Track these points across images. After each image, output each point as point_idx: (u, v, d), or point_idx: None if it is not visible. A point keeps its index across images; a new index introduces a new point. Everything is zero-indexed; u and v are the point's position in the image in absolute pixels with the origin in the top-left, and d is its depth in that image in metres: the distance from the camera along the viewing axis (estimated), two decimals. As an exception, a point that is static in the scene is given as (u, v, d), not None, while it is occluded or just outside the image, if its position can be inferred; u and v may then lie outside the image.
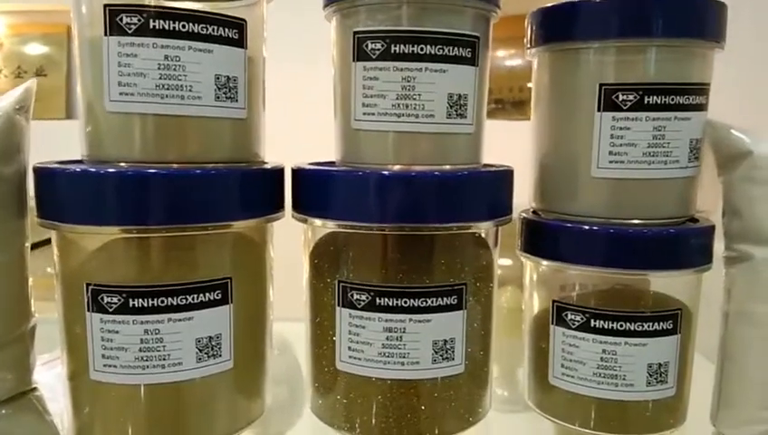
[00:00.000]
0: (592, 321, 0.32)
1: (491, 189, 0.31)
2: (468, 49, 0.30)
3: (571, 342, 0.32)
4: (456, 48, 0.29)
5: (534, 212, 0.36)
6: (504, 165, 0.34)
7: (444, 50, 0.29)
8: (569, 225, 0.32)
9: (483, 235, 0.33)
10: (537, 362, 0.35)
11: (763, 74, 0.81)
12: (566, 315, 0.32)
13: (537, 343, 0.35)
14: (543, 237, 0.34)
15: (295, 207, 0.32)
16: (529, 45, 0.34)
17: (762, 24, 0.81)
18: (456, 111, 0.30)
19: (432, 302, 0.30)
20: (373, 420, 0.31)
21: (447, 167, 0.30)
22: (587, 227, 0.32)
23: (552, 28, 0.33)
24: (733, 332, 0.31)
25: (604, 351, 0.31)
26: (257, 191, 0.31)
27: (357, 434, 0.32)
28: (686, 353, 0.33)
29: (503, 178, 0.32)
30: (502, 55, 0.96)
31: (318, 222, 0.31)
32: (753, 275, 0.30)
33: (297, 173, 0.32)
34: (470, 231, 0.31)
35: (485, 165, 0.34)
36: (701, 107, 0.32)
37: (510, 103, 0.99)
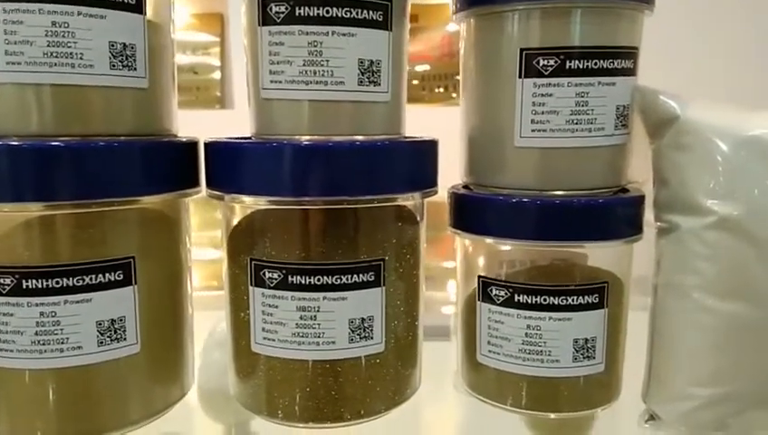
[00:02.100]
0: (516, 296, 0.30)
1: (409, 160, 0.30)
2: (380, 12, 0.28)
3: (496, 318, 0.31)
4: (365, 11, 0.28)
5: (465, 187, 0.35)
6: (428, 136, 0.33)
7: (352, 13, 0.27)
8: (492, 198, 0.31)
9: (408, 208, 0.32)
10: (467, 341, 0.34)
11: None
12: (491, 291, 0.31)
13: (467, 321, 0.34)
14: (469, 212, 0.32)
15: (209, 183, 0.31)
16: (454, 10, 0.33)
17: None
18: (368, 78, 0.28)
19: (347, 279, 0.29)
20: (294, 404, 0.30)
21: (360, 137, 0.28)
22: (512, 200, 0.31)
23: (475, -10, 0.31)
24: (661, 305, 0.30)
25: (528, 326, 0.30)
26: (163, 165, 0.29)
27: (279, 419, 0.31)
28: (616, 328, 0.32)
29: (424, 150, 0.31)
30: None
31: (228, 198, 0.29)
32: (680, 245, 0.29)
33: (208, 147, 0.30)
34: (388, 204, 0.30)
35: (408, 137, 0.33)
36: (628, 72, 0.30)
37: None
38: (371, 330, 0.29)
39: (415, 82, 1.08)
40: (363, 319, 0.29)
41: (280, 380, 0.30)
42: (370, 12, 0.28)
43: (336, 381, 0.30)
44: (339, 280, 0.28)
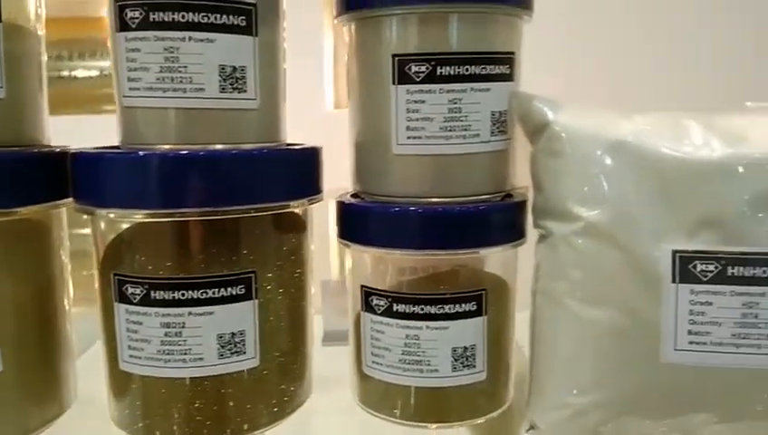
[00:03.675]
0: (394, 305, 0.30)
1: (280, 169, 0.29)
2: (242, 17, 0.27)
3: (377, 328, 0.31)
4: (225, 16, 0.27)
5: (354, 195, 0.34)
6: (309, 144, 0.32)
7: (210, 18, 0.26)
8: (370, 206, 0.31)
9: (289, 216, 0.31)
10: (355, 352, 0.33)
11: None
12: (372, 300, 0.31)
13: (355, 332, 0.33)
14: (350, 221, 0.32)
15: (74, 195, 0.29)
16: (335, 14, 0.32)
17: None
18: (231, 84, 0.27)
19: (214, 293, 0.28)
20: (169, 424, 0.29)
21: (219, 146, 0.27)
22: (391, 209, 0.30)
23: (352, -5, 0.31)
24: (538, 312, 0.30)
25: (407, 336, 0.30)
26: (25, 177, 0.28)
27: (152, 438, 0.30)
28: (499, 335, 0.31)
29: (299, 158, 0.30)
30: None
31: (89, 210, 0.28)
32: (553, 251, 0.29)
33: (69, 158, 0.29)
34: (260, 214, 0.29)
35: (291, 144, 0.32)
36: (504, 77, 0.30)
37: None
38: (243, 344, 0.28)
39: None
40: (233, 334, 0.28)
41: (151, 399, 0.29)
42: (231, 17, 0.27)
43: (206, 400, 0.29)
44: (205, 294, 0.27)
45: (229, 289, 0.28)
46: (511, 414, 0.33)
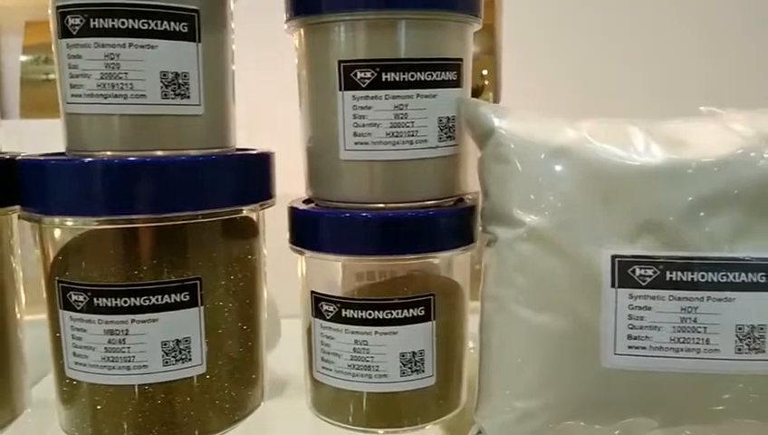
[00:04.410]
0: (343, 311, 0.30)
1: (226, 174, 0.29)
2: (184, 24, 0.27)
3: (327, 333, 0.31)
4: (167, 22, 0.27)
5: (307, 201, 0.34)
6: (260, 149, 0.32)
7: (151, 24, 0.26)
8: (322, 212, 0.31)
9: (239, 222, 0.31)
10: (307, 358, 0.33)
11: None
12: (321, 306, 0.31)
13: (306, 338, 0.33)
14: (302, 227, 0.32)
15: (21, 202, 0.29)
16: (285, 19, 0.32)
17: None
18: (173, 90, 0.27)
19: (158, 300, 0.28)
20: (113, 431, 0.29)
21: (163, 153, 0.27)
22: (339, 215, 0.30)
23: (301, 0, 0.31)
24: (485, 317, 0.30)
25: (356, 341, 0.30)
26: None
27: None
28: (450, 339, 0.32)
29: (247, 163, 0.30)
30: None
31: (34, 217, 0.28)
32: (499, 257, 0.29)
33: (18, 165, 0.29)
34: (206, 220, 0.29)
35: (241, 149, 0.32)
36: (451, 84, 0.30)
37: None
38: (188, 351, 0.28)
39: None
40: (179, 341, 0.28)
41: (98, 406, 0.29)
42: (173, 23, 0.27)
43: (156, 406, 0.29)
44: (148, 301, 0.27)
45: (173, 296, 0.28)
46: (464, 418, 0.33)
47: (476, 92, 1.04)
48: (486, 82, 1.07)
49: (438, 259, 0.32)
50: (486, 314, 0.30)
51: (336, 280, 0.32)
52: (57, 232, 0.29)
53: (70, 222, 0.27)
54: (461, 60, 0.31)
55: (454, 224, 0.31)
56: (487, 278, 0.30)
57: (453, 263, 0.32)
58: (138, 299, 0.27)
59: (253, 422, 0.32)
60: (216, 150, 0.30)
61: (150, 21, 0.26)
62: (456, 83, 0.30)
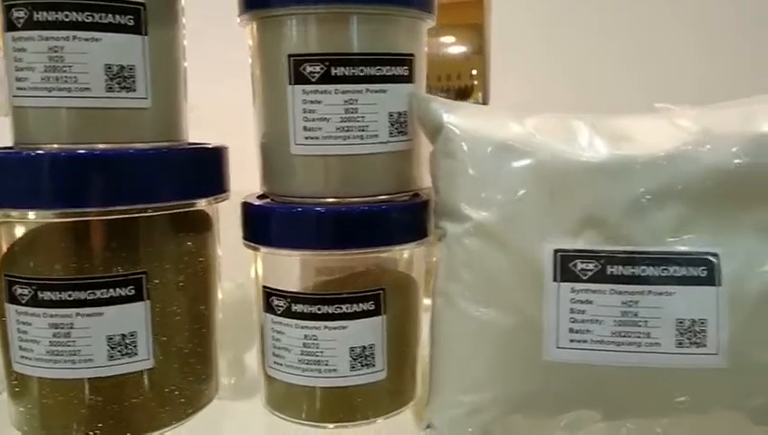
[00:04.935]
0: (293, 305, 0.30)
1: (175, 167, 0.29)
2: (129, 16, 0.27)
3: (277, 328, 0.31)
4: (111, 15, 0.27)
5: (261, 196, 0.34)
6: (214, 143, 0.32)
7: (95, 17, 0.26)
8: (273, 207, 0.31)
9: (191, 216, 0.31)
10: (261, 355, 0.33)
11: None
12: (272, 301, 0.31)
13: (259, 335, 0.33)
14: (255, 222, 0.32)
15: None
16: (238, 13, 0.32)
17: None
18: (118, 83, 0.27)
19: (102, 294, 0.27)
20: (60, 425, 0.29)
21: (109, 145, 0.27)
22: (290, 210, 0.30)
23: (252, -5, 0.31)
24: (435, 312, 0.30)
25: (306, 336, 0.30)
26: None
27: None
28: (402, 333, 0.32)
29: (196, 157, 0.30)
30: (446, 42, 0.96)
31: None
32: (448, 252, 0.29)
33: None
34: (155, 214, 0.28)
35: (194, 143, 0.32)
36: (402, 79, 0.30)
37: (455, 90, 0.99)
38: (134, 346, 0.28)
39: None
40: (125, 335, 0.28)
41: (45, 400, 0.29)
42: (117, 16, 0.27)
43: (104, 400, 0.29)
44: (93, 295, 0.27)
45: (118, 290, 0.28)
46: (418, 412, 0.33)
47: (466, 92, 1.05)
48: (476, 82, 1.07)
49: (391, 254, 0.32)
50: (436, 309, 0.30)
51: (290, 276, 0.32)
52: (7, 227, 0.29)
53: (18, 215, 0.27)
54: (412, 55, 0.31)
55: (406, 218, 0.31)
56: (438, 273, 0.30)
57: (408, 257, 0.32)
58: (82, 293, 0.27)
59: (205, 418, 0.32)
60: (166, 144, 0.30)
61: (95, 14, 0.26)
62: (408, 79, 0.30)
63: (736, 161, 0.26)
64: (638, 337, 0.26)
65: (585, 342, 0.26)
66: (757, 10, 0.80)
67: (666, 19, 0.81)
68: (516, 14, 0.93)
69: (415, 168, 0.32)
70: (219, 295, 0.34)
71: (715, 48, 0.80)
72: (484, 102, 0.95)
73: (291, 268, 0.33)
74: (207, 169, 0.31)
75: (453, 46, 1.00)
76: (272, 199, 0.32)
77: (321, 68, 0.29)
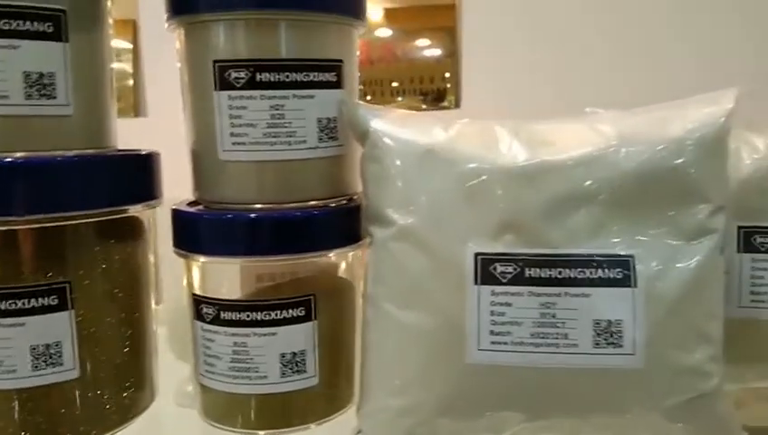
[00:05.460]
0: (222, 313, 0.30)
1: (100, 174, 0.29)
2: (49, 24, 0.27)
3: (207, 336, 0.30)
4: (29, 22, 0.26)
5: (193, 203, 0.34)
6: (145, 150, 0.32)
7: (12, 24, 0.26)
8: (201, 214, 0.30)
9: (120, 223, 0.30)
10: (194, 363, 0.33)
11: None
12: (201, 309, 0.30)
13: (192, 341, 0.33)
14: (184, 229, 0.31)
15: None
16: (166, 18, 0.32)
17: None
18: (38, 91, 0.27)
19: (24, 304, 0.27)
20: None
21: (26, 154, 0.27)
22: (219, 217, 0.30)
23: (179, 0, 0.31)
24: (365, 316, 0.30)
25: (235, 344, 0.30)
26: None
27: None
28: (336, 338, 0.32)
29: (105, 164, 0.29)
30: (421, 45, 0.96)
31: None
32: (375, 256, 0.29)
33: None
34: (78, 222, 0.28)
35: (123, 150, 0.32)
36: (331, 84, 0.30)
37: (431, 93, 0.99)
38: (60, 356, 0.28)
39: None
40: (48, 345, 0.28)
41: (-33, 413, 0.28)
42: (36, 23, 0.26)
43: (31, 412, 0.28)
44: (14, 305, 0.27)
45: (41, 300, 0.27)
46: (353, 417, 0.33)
47: (440, 95, 1.05)
48: (449, 85, 1.07)
49: (329, 259, 0.32)
50: (365, 313, 0.30)
51: (225, 283, 0.32)
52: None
53: None
54: (341, 61, 0.31)
55: (337, 223, 0.31)
56: (367, 278, 0.30)
57: (349, 262, 0.32)
58: (4, 303, 0.27)
59: (138, 428, 0.32)
60: (90, 151, 0.29)
61: (12, 21, 0.26)
62: (337, 84, 0.31)
63: (651, 165, 0.26)
64: (557, 338, 0.26)
65: (506, 344, 0.26)
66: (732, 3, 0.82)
67: (639, 20, 0.82)
68: (488, 17, 0.94)
69: (348, 173, 0.33)
70: (153, 304, 0.34)
71: (691, 45, 0.81)
72: (457, 105, 0.96)
73: (224, 275, 0.33)
74: (135, 175, 0.31)
75: (426, 50, 1.00)
76: (205, 206, 0.32)
77: (246, 74, 0.29)
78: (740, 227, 0.32)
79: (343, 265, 0.33)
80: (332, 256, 0.32)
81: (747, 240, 0.32)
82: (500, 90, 0.84)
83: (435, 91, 1.04)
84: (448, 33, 1.09)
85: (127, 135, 0.33)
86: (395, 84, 0.98)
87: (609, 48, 0.83)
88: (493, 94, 0.87)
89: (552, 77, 0.83)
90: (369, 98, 1.05)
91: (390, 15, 0.97)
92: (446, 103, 1.05)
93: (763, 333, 0.33)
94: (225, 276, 0.33)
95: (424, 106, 1.00)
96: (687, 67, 0.78)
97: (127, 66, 1.03)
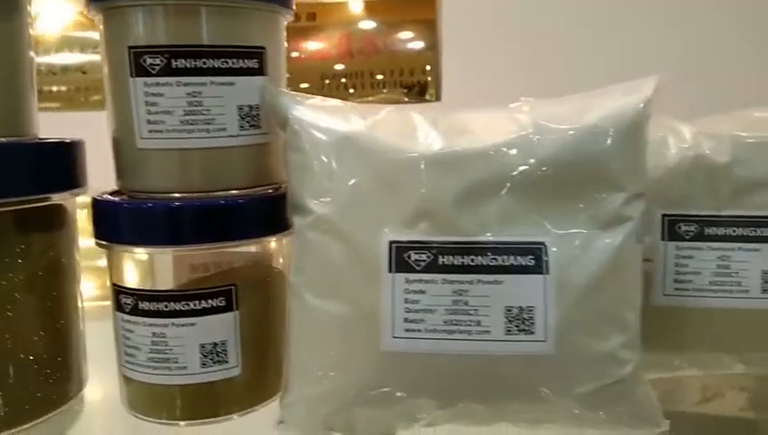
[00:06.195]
0: (140, 303, 0.29)
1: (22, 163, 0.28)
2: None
3: (127, 327, 0.30)
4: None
5: (115, 192, 0.33)
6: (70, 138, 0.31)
7: None
8: (119, 203, 0.30)
9: (39, 213, 0.30)
10: (117, 354, 0.32)
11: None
12: (120, 299, 0.30)
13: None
14: (104, 218, 0.31)
15: None
16: (84, 4, 0.31)
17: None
18: (-57, 77, 0.26)
19: (-71, 294, 0.27)
20: None
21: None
22: (139, 206, 0.30)
23: (95, -15, 0.30)
24: (288, 306, 0.30)
25: (154, 334, 0.29)
26: None
27: None
28: (261, 328, 0.31)
29: (20, 151, 0.29)
30: (399, 38, 0.95)
31: None
32: (295, 245, 0.29)
33: None
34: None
35: (45, 139, 0.31)
36: (252, 71, 0.30)
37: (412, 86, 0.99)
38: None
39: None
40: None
41: None
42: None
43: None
44: None
45: (-53, 290, 0.27)
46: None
47: (422, 88, 1.05)
48: (429, 78, 1.07)
49: (250, 248, 0.31)
50: (288, 302, 0.30)
51: (148, 273, 0.32)
52: None
53: None
54: (263, 48, 0.30)
55: (260, 212, 0.31)
56: (289, 267, 0.30)
57: (280, 252, 0.32)
58: None
59: (60, 419, 0.31)
60: (3, 139, 0.29)
61: None
62: (259, 71, 0.30)
63: (564, 153, 0.26)
64: (469, 325, 0.26)
65: (419, 331, 0.26)
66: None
67: (620, 13, 0.83)
68: (468, 9, 0.94)
69: (275, 161, 0.32)
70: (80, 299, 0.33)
71: (674, 36, 0.81)
72: (437, 98, 0.96)
73: (147, 266, 0.32)
74: (55, 163, 0.30)
75: (406, 42, 1.00)
76: (127, 196, 0.32)
77: (162, 60, 0.28)
78: (664, 215, 0.33)
79: (280, 259, 0.33)
80: (256, 245, 0.31)
81: (672, 228, 0.33)
82: (481, 83, 0.84)
83: (417, 84, 1.04)
84: (429, 25, 1.08)
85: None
86: (380, 77, 0.98)
87: (590, 41, 0.83)
88: (474, 87, 0.86)
89: (533, 70, 0.83)
90: (351, 91, 1.04)
91: (370, 7, 0.97)
92: (428, 96, 1.05)
93: (688, 320, 0.33)
94: (154, 268, 0.32)
95: (406, 99, 1.00)
96: (671, 57, 0.78)
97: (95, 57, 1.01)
